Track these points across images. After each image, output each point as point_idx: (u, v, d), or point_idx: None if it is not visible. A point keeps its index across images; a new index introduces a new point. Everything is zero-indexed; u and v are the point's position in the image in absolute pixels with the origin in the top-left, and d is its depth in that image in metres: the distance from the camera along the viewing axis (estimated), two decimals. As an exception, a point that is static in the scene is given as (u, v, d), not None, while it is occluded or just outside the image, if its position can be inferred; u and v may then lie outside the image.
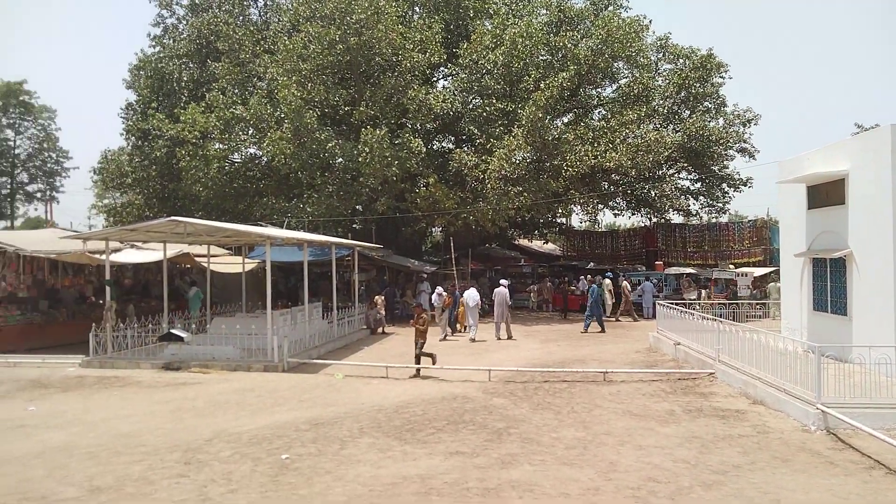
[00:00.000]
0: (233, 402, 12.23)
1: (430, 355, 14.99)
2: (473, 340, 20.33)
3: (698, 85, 30.86)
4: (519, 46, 26.51)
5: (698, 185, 34.44)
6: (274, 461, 8.47)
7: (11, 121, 58.22)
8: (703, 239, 34.00)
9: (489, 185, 25.63)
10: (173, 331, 16.85)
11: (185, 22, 32.71)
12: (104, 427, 10.42)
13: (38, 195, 61.08)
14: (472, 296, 21.04)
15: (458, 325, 22.28)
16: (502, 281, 22.59)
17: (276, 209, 27.14)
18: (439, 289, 22.42)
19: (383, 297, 23.91)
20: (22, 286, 18.99)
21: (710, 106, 32.09)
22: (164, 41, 32.32)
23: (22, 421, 10.92)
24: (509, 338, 20.78)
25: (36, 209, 62.13)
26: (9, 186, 59.99)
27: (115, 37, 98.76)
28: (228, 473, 8.01)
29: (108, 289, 17.45)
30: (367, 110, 26.22)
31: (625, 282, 27.34)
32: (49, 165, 60.90)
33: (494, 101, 27.11)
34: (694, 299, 24.29)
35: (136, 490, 7.49)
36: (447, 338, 20.98)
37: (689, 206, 35.78)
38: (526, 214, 29.30)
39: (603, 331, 22.29)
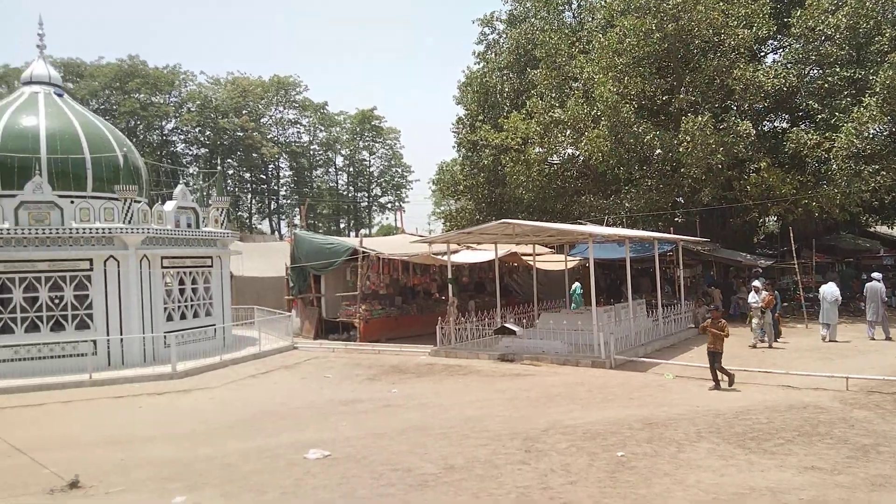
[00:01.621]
0: (564, 395, 12.59)
1: (729, 374, 12.87)
2: (831, 341, 18.05)
3: None
4: (867, 4, 22.80)
5: None
6: (610, 457, 8.49)
7: (366, 143, 68.21)
8: None
9: (835, 166, 22.48)
10: (507, 325, 18.00)
11: (504, 36, 34.76)
12: (452, 411, 11.54)
13: (389, 206, 70.59)
14: (830, 291, 18.56)
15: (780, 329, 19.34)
16: (874, 275, 19.55)
17: (594, 206, 27.33)
18: (756, 283, 19.36)
19: (719, 291, 22.43)
20: (382, 285, 22.04)
21: None
22: (488, 56, 34.73)
23: (387, 401, 12.64)
24: (887, 338, 18.03)
25: (387, 218, 71.95)
26: (366, 199, 70.40)
27: (445, 60, 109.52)
28: (566, 465, 8.24)
29: (450, 286, 19.34)
30: (687, 97, 24.98)
31: None
32: (396, 179, 69.99)
33: (838, 69, 23.70)
34: None
35: (483, 472, 8.13)
36: (765, 345, 17.90)
37: None
38: (885, 197, 25.05)
39: None
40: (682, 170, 24.63)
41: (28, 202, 15.97)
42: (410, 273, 23.10)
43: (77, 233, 16.19)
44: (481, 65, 34.66)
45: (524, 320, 20.12)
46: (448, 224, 36.13)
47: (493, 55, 34.80)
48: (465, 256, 23.10)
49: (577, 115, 26.26)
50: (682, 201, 28.78)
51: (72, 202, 16.59)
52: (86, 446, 10.00)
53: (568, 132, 28.50)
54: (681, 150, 23.67)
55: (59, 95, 19.59)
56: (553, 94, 29.06)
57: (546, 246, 26.07)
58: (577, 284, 22.92)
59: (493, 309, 20.16)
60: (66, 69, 52.30)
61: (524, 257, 24.36)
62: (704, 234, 26.69)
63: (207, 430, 10.80)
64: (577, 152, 29.69)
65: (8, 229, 15.57)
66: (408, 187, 70.12)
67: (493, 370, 15.58)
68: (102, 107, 54.84)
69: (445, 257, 19.93)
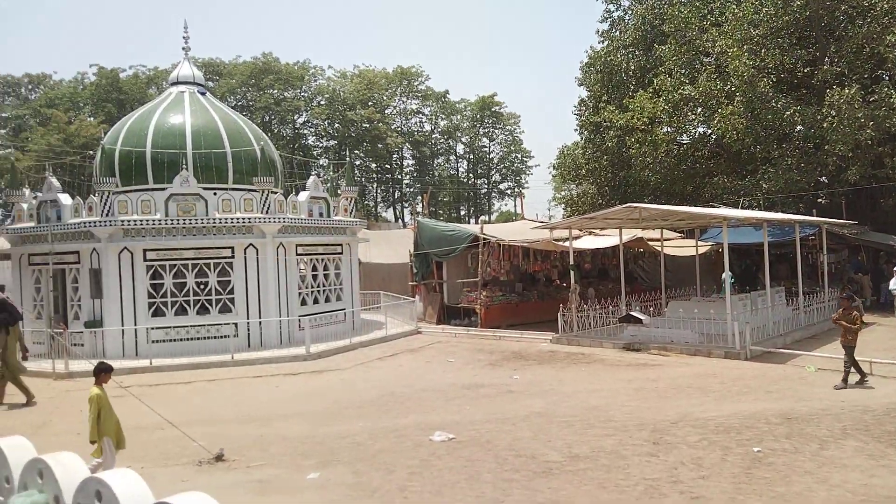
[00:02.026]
0: (694, 386, 12.08)
1: (862, 374, 11.67)
2: None
3: None
4: None
5: None
6: (745, 453, 8.06)
7: (486, 130, 68.33)
8: None
9: None
10: (632, 313, 17.50)
11: (630, 12, 33.51)
12: (575, 399, 11.39)
13: (508, 192, 70.41)
14: None
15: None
16: None
17: (727, 188, 25.86)
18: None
19: (868, 278, 20.57)
20: (502, 271, 22.06)
21: None
22: (612, 34, 33.65)
23: (509, 387, 12.67)
24: None
25: (506, 204, 71.83)
26: (486, 186, 70.63)
27: (564, 42, 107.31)
28: (698, 459, 7.92)
29: (571, 273, 19.05)
30: (831, 68, 23.05)
31: None
32: (516, 165, 69.64)
33: None
34: None
35: (609, 462, 7.96)
36: None
37: None
38: None
39: None
40: (825, 147, 22.80)
41: (176, 194, 17.32)
42: (531, 259, 22.94)
43: (220, 222, 17.38)
44: (605, 43, 33.61)
45: (651, 308, 19.46)
46: (568, 209, 35.49)
47: (617, 33, 33.65)
48: (588, 242, 22.63)
49: (709, 92, 24.93)
50: (826, 181, 26.65)
51: (215, 194, 17.81)
52: (229, 422, 10.76)
53: (699, 110, 27.14)
54: (825, 125, 21.89)
55: (202, 94, 21.06)
56: (683, 71, 27.71)
57: (674, 231, 25.02)
58: (727, 273, 21.62)
59: (617, 296, 19.65)
60: (206, 69, 56.03)
61: (650, 242, 23.52)
62: (851, 216, 24.60)
63: (338, 410, 11.30)
64: (710, 131, 28.22)
65: (159, 220, 16.98)
66: (527, 173, 69.64)
67: (617, 359, 15.21)
68: (240, 103, 58.40)
69: (567, 243, 19.63)
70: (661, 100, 26.93)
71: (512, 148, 68.99)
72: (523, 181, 69.32)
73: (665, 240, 22.88)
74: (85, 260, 17.07)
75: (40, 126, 50.92)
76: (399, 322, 21.51)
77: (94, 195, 17.24)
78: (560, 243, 20.72)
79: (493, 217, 67.57)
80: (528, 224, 25.87)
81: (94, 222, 16.64)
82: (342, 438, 9.43)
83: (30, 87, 59.54)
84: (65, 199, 17.85)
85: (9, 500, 2.78)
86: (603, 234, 23.14)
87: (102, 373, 8.10)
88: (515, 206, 68.36)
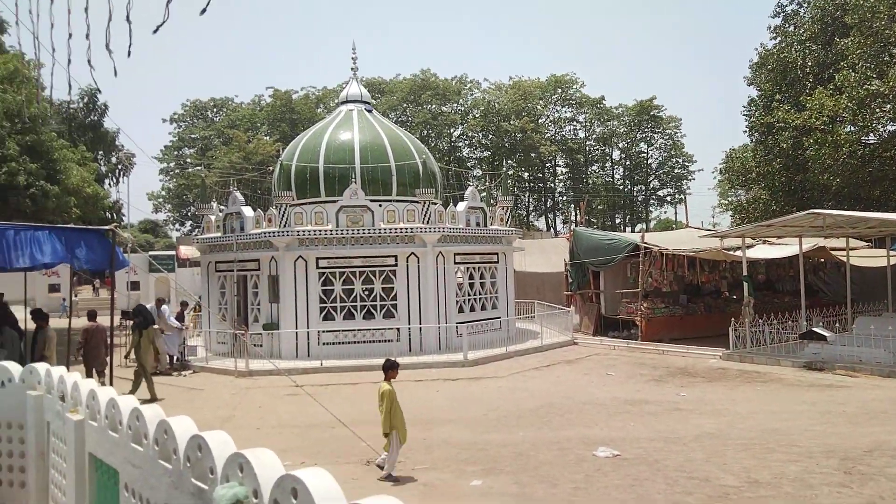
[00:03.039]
0: (890, 412, 10.84)
1: None
2: None
3: None
4: None
5: None
6: (961, 492, 7.08)
7: (644, 134, 66.00)
8: None
9: None
10: (815, 329, 16.05)
11: (806, 5, 31.01)
12: (751, 420, 10.60)
13: (668, 199, 67.45)
14: None
15: None
16: None
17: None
18: None
19: None
20: (665, 282, 21.08)
21: None
22: (786, 30, 31.30)
23: (676, 404, 12.06)
24: None
25: (665, 212, 68.82)
26: (644, 193, 68.16)
27: (728, 40, 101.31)
28: (902, 495, 7.07)
29: (744, 284, 17.82)
30: None
31: None
32: (676, 170, 66.57)
33: None
34: None
35: (794, 491, 7.32)
36: None
37: None
38: None
39: None
40: None
41: (346, 206, 18.33)
42: (697, 270, 21.74)
43: (385, 232, 18.16)
44: (777, 39, 31.30)
45: (835, 324, 17.73)
46: (737, 216, 33.26)
47: (791, 28, 31.22)
48: (762, 252, 21.04)
49: (901, 86, 22.39)
50: None
51: (380, 205, 18.64)
52: (395, 423, 11.13)
53: (888, 106, 24.46)
54: None
55: (369, 111, 22.20)
56: (869, 64, 25.10)
57: (861, 239, 22.68)
58: None
59: (793, 310, 18.09)
60: (370, 87, 59.00)
61: (834, 252, 21.44)
62: None
63: (498, 418, 11.34)
64: (902, 129, 25.37)
65: (331, 230, 18.04)
66: (689, 178, 66.29)
67: (797, 379, 14.00)
68: (400, 119, 60.88)
69: (738, 252, 18.40)
70: (843, 97, 24.56)
71: (672, 152, 66.05)
72: (685, 187, 66.16)
73: (850, 249, 20.77)
74: (264, 267, 18.51)
75: (223, 145, 56.11)
76: (554, 332, 21.25)
77: (273, 208, 18.65)
78: (731, 253, 19.46)
79: (651, 225, 65.07)
80: (692, 232, 24.58)
81: (273, 232, 18.01)
82: (504, 447, 9.43)
83: (214, 110, 65.85)
84: (247, 211, 19.47)
85: (214, 489, 3.03)
86: (779, 243, 21.43)
87: (391, 369, 8.73)
88: (676, 213, 65.38)
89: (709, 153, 75.61)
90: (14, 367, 5.80)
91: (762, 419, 10.63)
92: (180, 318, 18.59)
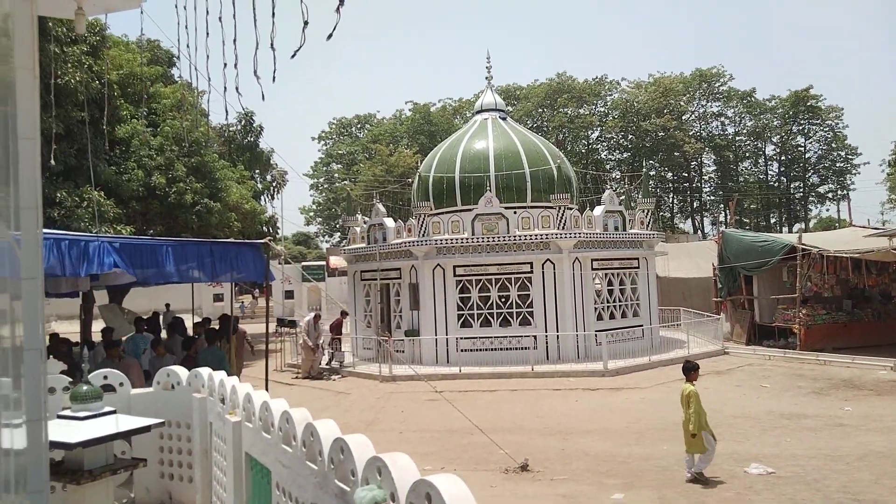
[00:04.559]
0: None
1: None
2: None
3: None
4: None
5: None
6: None
7: (801, 127, 61.21)
8: None
9: None
10: None
11: None
12: (931, 440, 9.55)
13: (829, 195, 62.05)
14: None
15: None
16: None
17: None
18: None
19: None
20: (826, 286, 19.44)
21: None
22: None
23: (839, 419, 11.11)
24: None
25: (828, 209, 63.30)
26: (801, 190, 63.18)
27: (892, 20, 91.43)
28: None
29: (918, 288, 16.09)
30: None
31: None
32: (838, 164, 61.13)
33: None
34: None
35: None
36: None
37: None
38: None
39: None
40: None
41: (481, 214, 18.56)
42: (863, 272, 19.84)
43: (520, 239, 18.19)
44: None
45: None
46: (912, 213, 30.07)
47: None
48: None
49: None
50: None
51: (515, 212, 18.70)
52: (531, 432, 11.12)
53: None
54: None
55: (503, 119, 22.38)
56: None
57: None
58: None
59: None
60: (506, 95, 59.30)
61: None
62: None
63: (640, 430, 10.99)
64: None
65: (467, 238, 18.34)
66: (853, 172, 60.55)
67: None
68: (536, 124, 60.66)
69: (912, 253, 16.63)
70: None
71: (833, 145, 60.73)
72: (848, 182, 60.57)
73: None
74: (405, 275, 19.15)
75: (367, 159, 58.66)
76: (702, 341, 20.24)
77: (413, 218, 19.26)
78: (903, 254, 17.61)
79: (811, 224, 60.16)
80: (857, 231, 22.47)
81: (413, 242, 18.60)
82: (646, 461, 9.14)
83: (358, 126, 68.99)
84: (389, 222, 20.25)
85: (355, 491, 3.22)
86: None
87: (693, 370, 8.98)
88: (839, 211, 59.96)
89: (876, 144, 68.44)
90: (182, 371, 6.46)
91: (943, 439, 9.55)
92: (338, 326, 19.59)
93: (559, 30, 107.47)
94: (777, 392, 13.70)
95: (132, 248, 8.22)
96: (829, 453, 9.06)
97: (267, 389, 9.06)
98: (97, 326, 14.35)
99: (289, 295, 36.02)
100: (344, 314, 20.75)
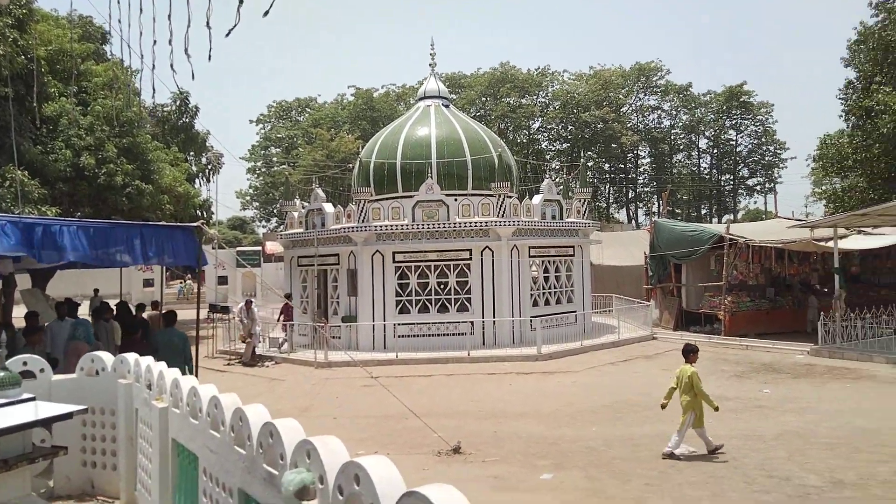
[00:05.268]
0: None
1: None
2: None
3: None
4: None
5: None
6: None
7: (734, 121, 63.41)
8: None
9: None
10: (912, 325, 15.13)
11: (910, -23, 28.96)
12: (839, 419, 10.14)
13: (757, 188, 64.59)
14: None
15: None
16: None
17: None
18: None
19: None
20: (751, 275, 20.28)
21: None
22: (889, 6, 29.35)
23: (758, 401, 11.65)
24: None
25: (755, 202, 65.93)
26: (731, 182, 65.54)
27: (823, 21, 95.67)
28: None
29: (835, 277, 16.97)
30: None
31: None
32: (767, 158, 63.66)
33: None
34: None
35: (883, 493, 7.01)
36: None
37: None
38: None
39: None
40: None
41: (422, 201, 18.58)
42: (785, 262, 20.81)
43: (460, 226, 18.31)
44: (880, 17, 29.43)
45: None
46: (831, 205, 31.52)
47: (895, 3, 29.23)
48: (856, 242, 19.94)
49: None
50: None
51: (455, 199, 18.79)
52: (465, 416, 11.27)
53: None
54: None
55: (446, 106, 22.42)
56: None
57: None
58: None
59: (890, 304, 17.04)
60: (449, 82, 59.26)
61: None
62: None
63: (571, 413, 11.28)
64: None
65: (407, 224, 18.34)
66: (781, 166, 63.24)
67: (891, 376, 13.25)
68: (479, 113, 60.87)
69: (830, 244, 17.51)
70: (952, 76, 22.90)
71: (763, 139, 63.21)
72: (776, 176, 63.20)
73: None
74: (343, 262, 19.02)
75: (307, 144, 57.77)
76: (632, 327, 20.85)
77: (353, 203, 19.12)
78: (822, 244, 18.53)
79: (740, 215, 62.55)
80: (781, 223, 23.53)
81: (353, 228, 18.48)
82: (576, 442, 9.40)
83: (299, 110, 67.82)
84: (328, 207, 20.04)
85: (283, 474, 3.22)
86: (875, 234, 20.25)
87: (693, 353, 9.24)
88: (766, 203, 62.56)
89: (803, 140, 71.84)
90: (107, 357, 6.29)
91: (850, 417, 10.15)
92: (289, 310, 19.21)
93: (504, 19, 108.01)
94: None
95: (43, 228, 7.74)
96: (748, 433, 9.52)
97: (196, 375, 8.90)
98: (18, 312, 13.75)
99: (222, 281, 35.27)
100: (289, 297, 20.58)
